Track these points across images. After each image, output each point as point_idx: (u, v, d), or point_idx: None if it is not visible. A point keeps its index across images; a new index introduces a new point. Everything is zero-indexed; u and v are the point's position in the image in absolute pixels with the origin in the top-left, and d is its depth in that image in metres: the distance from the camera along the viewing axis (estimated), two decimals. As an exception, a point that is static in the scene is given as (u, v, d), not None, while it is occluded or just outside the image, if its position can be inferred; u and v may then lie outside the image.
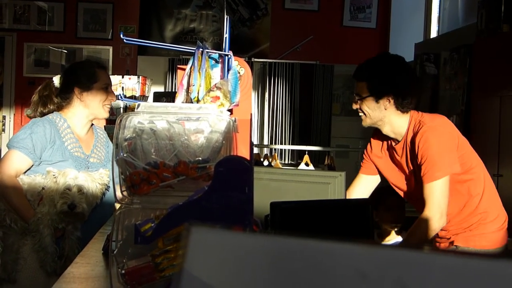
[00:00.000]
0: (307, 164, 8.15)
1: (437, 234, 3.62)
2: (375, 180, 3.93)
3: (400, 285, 0.60)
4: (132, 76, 8.91)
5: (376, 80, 3.58)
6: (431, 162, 3.38)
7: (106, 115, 4.02)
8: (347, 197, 3.78)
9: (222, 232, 0.66)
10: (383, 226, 4.59)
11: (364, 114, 3.64)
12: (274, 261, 0.64)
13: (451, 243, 3.63)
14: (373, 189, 3.93)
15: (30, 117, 4.02)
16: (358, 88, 3.64)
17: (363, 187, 3.91)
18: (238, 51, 10.80)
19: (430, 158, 3.39)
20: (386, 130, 3.65)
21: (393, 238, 4.62)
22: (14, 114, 10.26)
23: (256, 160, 7.96)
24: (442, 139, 3.43)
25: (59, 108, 3.93)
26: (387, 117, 3.58)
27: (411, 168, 3.58)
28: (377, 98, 3.56)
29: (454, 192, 3.51)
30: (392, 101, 3.54)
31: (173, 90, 9.72)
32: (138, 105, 2.22)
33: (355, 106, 3.68)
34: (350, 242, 0.63)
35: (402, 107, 3.55)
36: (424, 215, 3.40)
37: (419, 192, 3.46)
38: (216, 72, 2.78)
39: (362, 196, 3.86)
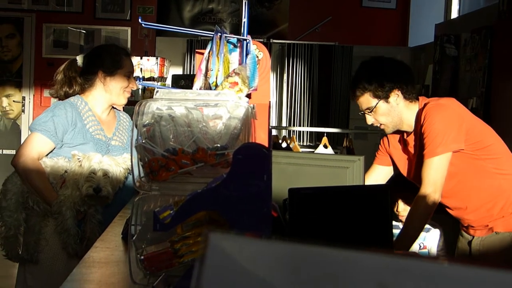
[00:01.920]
0: (325, 146, 8.11)
1: (470, 222, 3.62)
2: (389, 171, 3.94)
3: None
4: (150, 58, 8.90)
5: (376, 83, 3.62)
6: (431, 137, 3.38)
7: (124, 102, 4.03)
8: None
9: (240, 238, 0.66)
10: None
11: (383, 124, 3.71)
12: (291, 269, 0.64)
13: (491, 229, 3.61)
14: (386, 179, 3.93)
15: (53, 97, 4.04)
16: (364, 103, 3.71)
17: (377, 177, 3.92)
18: (256, 32, 10.74)
19: (431, 133, 3.39)
20: (405, 127, 3.67)
21: None
22: (34, 95, 10.30)
23: (274, 142, 7.95)
24: (445, 114, 3.42)
25: (82, 89, 3.94)
26: (403, 113, 3.60)
27: (419, 155, 3.58)
28: (386, 98, 3.59)
29: (478, 174, 3.49)
30: (399, 92, 3.56)
31: (192, 72, 9.72)
32: (157, 92, 2.22)
33: (370, 122, 3.72)
34: (368, 251, 0.63)
35: (409, 94, 3.58)
36: (419, 193, 3.43)
37: None
38: (235, 56, 2.77)
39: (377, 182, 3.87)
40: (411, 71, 3.76)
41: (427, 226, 4.47)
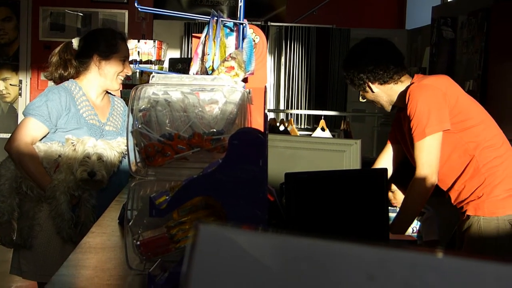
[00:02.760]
0: (323, 129, 8.12)
1: (456, 203, 3.61)
2: (401, 148, 3.92)
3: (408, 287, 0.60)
4: (148, 41, 8.88)
5: (349, 80, 3.75)
6: (417, 120, 3.38)
7: (117, 87, 4.01)
8: (376, 165, 3.80)
9: (230, 230, 0.66)
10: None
11: (378, 102, 3.77)
12: (282, 261, 0.64)
13: (464, 213, 3.60)
14: (402, 158, 3.91)
15: (48, 79, 4.03)
16: (354, 88, 3.81)
17: (390, 154, 3.92)
18: (253, 15, 10.72)
19: (416, 116, 3.39)
20: (400, 105, 3.68)
21: None
22: (31, 78, 10.28)
23: (272, 125, 7.95)
24: (427, 95, 3.41)
25: (77, 72, 3.92)
26: (390, 95, 3.63)
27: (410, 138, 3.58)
28: (364, 89, 3.71)
29: (454, 151, 3.48)
30: (371, 83, 3.63)
31: (189, 55, 9.70)
32: (153, 76, 2.21)
33: (369, 100, 3.82)
34: (359, 243, 0.63)
35: (385, 79, 3.62)
36: (415, 175, 3.43)
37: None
38: (231, 40, 2.77)
39: (389, 163, 3.86)
40: (382, 53, 3.71)
41: (422, 210, 4.48)
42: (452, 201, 3.66)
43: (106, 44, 3.90)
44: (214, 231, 0.65)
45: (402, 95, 3.60)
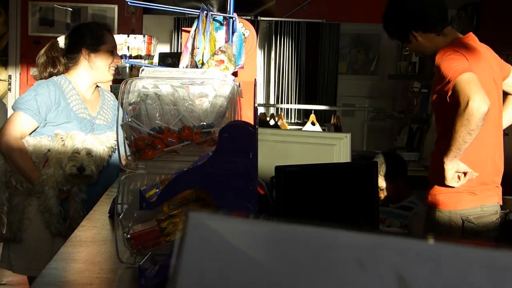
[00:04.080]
0: (313, 124, 8.13)
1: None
2: None
3: (399, 274, 0.60)
4: (137, 35, 8.85)
5: (392, 35, 3.79)
6: (445, 70, 3.38)
7: (110, 78, 4.02)
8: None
9: (220, 218, 0.66)
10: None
11: (421, 53, 3.88)
12: (273, 248, 0.64)
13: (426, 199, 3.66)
14: None
15: (37, 79, 4.02)
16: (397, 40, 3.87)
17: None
18: (243, 9, 10.66)
19: (443, 68, 3.37)
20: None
21: None
22: (20, 74, 10.24)
23: (262, 120, 7.95)
24: (446, 52, 3.43)
25: (66, 68, 3.92)
26: (429, 46, 3.68)
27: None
28: (408, 41, 3.73)
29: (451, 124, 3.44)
30: (416, 34, 3.62)
31: (179, 50, 9.68)
32: (142, 70, 2.21)
33: (411, 50, 4.00)
34: (350, 230, 0.63)
35: (429, 30, 3.64)
36: (458, 111, 3.29)
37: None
38: (221, 34, 2.77)
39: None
40: (427, 6, 3.70)
41: (410, 205, 4.49)
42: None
43: (93, 37, 3.90)
44: (204, 219, 0.66)
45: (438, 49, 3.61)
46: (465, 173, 3.45)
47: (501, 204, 3.67)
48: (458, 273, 0.60)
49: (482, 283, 0.59)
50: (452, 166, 3.39)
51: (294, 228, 0.65)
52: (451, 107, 3.35)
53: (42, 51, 3.98)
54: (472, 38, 3.66)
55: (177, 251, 0.65)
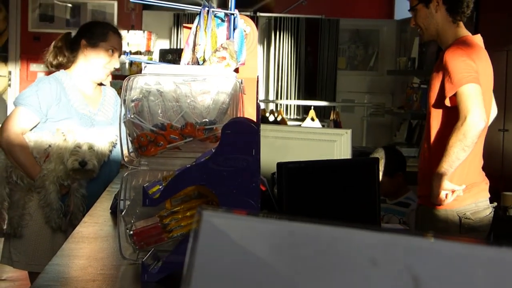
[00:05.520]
0: (312, 119, 8.14)
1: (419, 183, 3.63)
2: None
3: (410, 272, 0.61)
4: (137, 31, 8.85)
5: None
6: (452, 72, 3.35)
7: (103, 78, 4.01)
8: None
9: (234, 216, 0.67)
10: None
11: (421, 28, 3.71)
12: (285, 247, 0.64)
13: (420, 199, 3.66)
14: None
15: (45, 65, 4.06)
16: (410, 1, 3.74)
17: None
18: (242, 5, 10.68)
19: (450, 68, 3.35)
20: (440, 42, 3.65)
21: None
22: (20, 69, 10.24)
23: (261, 116, 7.96)
24: (457, 53, 3.40)
25: (68, 61, 3.93)
26: (440, 27, 3.58)
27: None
28: (427, 3, 3.63)
29: (446, 128, 3.43)
30: (440, 2, 3.54)
31: (178, 46, 9.68)
32: (145, 67, 2.22)
33: (412, 23, 3.77)
34: (361, 228, 0.64)
35: (453, 10, 3.59)
36: (455, 126, 3.30)
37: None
38: (222, 31, 2.77)
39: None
40: None
41: (408, 201, 4.50)
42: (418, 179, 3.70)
43: (96, 32, 3.91)
44: (217, 217, 0.66)
45: (445, 36, 3.58)
46: (453, 191, 3.46)
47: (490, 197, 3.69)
48: (471, 271, 0.60)
49: (495, 281, 0.60)
50: (440, 185, 3.40)
51: (308, 226, 0.65)
52: (447, 108, 3.38)
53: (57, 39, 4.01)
54: (480, 40, 3.65)
55: (190, 250, 0.66)
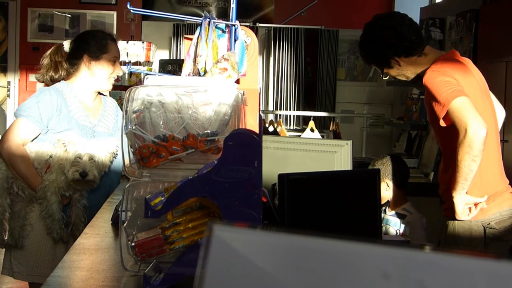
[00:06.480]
0: (312, 130, 8.13)
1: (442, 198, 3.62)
2: None
3: (422, 286, 0.61)
4: (136, 42, 8.88)
5: (370, 58, 3.73)
6: (437, 94, 3.33)
7: (109, 87, 4.03)
8: None
9: (244, 230, 0.67)
10: None
11: (404, 75, 3.72)
12: (296, 261, 0.64)
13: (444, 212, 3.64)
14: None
15: (40, 81, 4.04)
16: (379, 69, 3.77)
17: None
18: (242, 15, 10.69)
19: (434, 93, 3.35)
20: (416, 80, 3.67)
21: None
22: (19, 80, 10.25)
23: (261, 126, 7.95)
24: (433, 75, 3.40)
25: (68, 74, 3.93)
26: (412, 68, 3.61)
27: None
28: (389, 67, 3.65)
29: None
30: (397, 59, 3.57)
31: (178, 57, 9.69)
32: (147, 78, 2.22)
33: (392, 76, 3.77)
34: (372, 242, 0.64)
35: (408, 54, 3.59)
36: (458, 140, 3.29)
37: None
38: (223, 42, 2.77)
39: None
40: (405, 32, 3.63)
41: (404, 213, 4.47)
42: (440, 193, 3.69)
43: (96, 45, 3.90)
44: (228, 232, 0.66)
45: (425, 68, 3.58)
46: (476, 204, 3.46)
47: None
48: (483, 286, 0.60)
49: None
50: (461, 200, 3.40)
51: (319, 241, 0.65)
52: (446, 129, 3.38)
53: (47, 53, 4.00)
54: (455, 54, 3.66)
55: (201, 263, 0.65)
